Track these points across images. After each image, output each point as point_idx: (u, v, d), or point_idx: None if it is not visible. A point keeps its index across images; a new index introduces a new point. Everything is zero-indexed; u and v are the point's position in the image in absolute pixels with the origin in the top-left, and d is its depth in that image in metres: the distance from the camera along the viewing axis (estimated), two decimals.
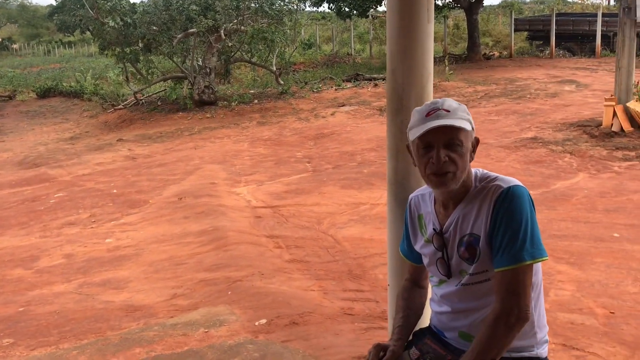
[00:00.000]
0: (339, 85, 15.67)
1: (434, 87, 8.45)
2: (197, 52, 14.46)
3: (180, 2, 13.32)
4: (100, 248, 5.86)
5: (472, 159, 1.77)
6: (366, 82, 16.10)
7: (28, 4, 67.73)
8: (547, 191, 6.47)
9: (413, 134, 1.74)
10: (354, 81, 16.39)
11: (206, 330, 3.71)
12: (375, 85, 15.43)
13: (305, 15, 45.74)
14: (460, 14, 29.46)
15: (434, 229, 1.83)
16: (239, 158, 9.36)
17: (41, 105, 19.72)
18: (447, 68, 15.72)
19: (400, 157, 1.90)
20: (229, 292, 4.33)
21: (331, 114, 12.65)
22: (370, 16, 26.34)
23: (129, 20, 12.85)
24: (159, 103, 15.22)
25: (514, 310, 1.66)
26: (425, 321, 1.98)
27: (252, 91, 16.10)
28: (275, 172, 8.22)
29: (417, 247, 1.92)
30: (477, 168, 1.85)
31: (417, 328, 1.97)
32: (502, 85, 14.55)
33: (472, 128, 1.75)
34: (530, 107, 11.50)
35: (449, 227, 1.79)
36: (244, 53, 14.97)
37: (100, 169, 9.82)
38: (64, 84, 21.49)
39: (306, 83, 16.49)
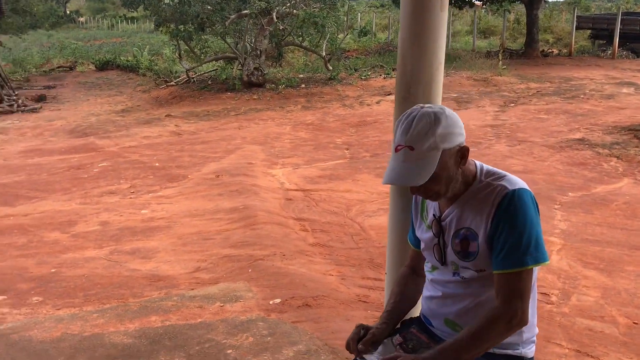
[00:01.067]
0: (388, 74, 15.52)
1: (485, 81, 8.31)
2: (249, 33, 14.57)
3: None
4: (135, 218, 6.04)
5: (462, 165, 1.71)
6: None
7: None
8: (587, 194, 6.27)
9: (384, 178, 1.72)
10: None
11: (222, 305, 3.79)
12: None
13: (363, 3, 45.40)
14: (522, 9, 28.65)
15: (433, 214, 1.82)
16: (279, 140, 9.44)
17: (98, 77, 20.32)
18: (500, 62, 15.34)
19: None
20: (250, 270, 4.41)
21: (376, 102, 12.57)
22: None
23: None
24: (209, 82, 15.46)
25: (517, 313, 1.65)
26: (416, 312, 1.98)
27: (302, 75, 16.14)
28: (312, 157, 8.26)
29: (417, 232, 1.92)
30: (482, 163, 1.82)
31: (407, 317, 1.97)
32: (557, 84, 14.11)
33: (452, 145, 1.66)
34: (582, 108, 11.12)
35: (447, 216, 1.78)
36: (294, 37, 15.00)
37: (146, 142, 10.08)
38: (122, 58, 22.06)
39: (356, 70, 16.40)
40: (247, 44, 14.52)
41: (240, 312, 3.67)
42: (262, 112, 12.30)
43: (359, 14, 35.98)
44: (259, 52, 14.20)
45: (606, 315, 3.75)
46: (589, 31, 23.06)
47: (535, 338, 1.84)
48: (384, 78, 15.12)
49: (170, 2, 13.05)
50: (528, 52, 20.51)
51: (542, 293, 4.08)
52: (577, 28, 21.69)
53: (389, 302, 1.95)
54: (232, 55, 15.36)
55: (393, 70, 16.40)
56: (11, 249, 5.26)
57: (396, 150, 1.66)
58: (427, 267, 1.90)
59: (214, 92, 14.51)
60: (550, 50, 22.46)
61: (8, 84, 15.87)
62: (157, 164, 8.30)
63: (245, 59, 14.38)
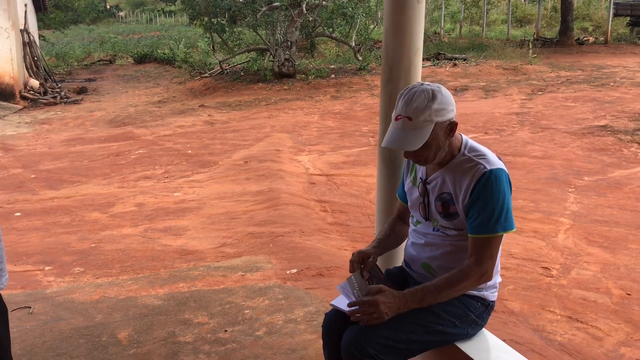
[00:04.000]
0: None
1: (515, 69, 8.54)
2: (280, 25, 14.93)
3: None
4: (168, 200, 6.47)
5: (450, 137, 2.00)
6: (446, 61, 16.00)
7: None
8: (603, 178, 6.42)
9: (383, 142, 2.02)
10: (434, 60, 16.32)
11: (243, 274, 4.16)
12: (455, 65, 15.32)
13: None
14: None
15: (420, 177, 2.13)
16: (307, 129, 9.77)
17: (137, 70, 21.00)
18: (530, 51, 15.31)
19: (388, 122, 2.18)
20: (271, 245, 4.76)
21: None
22: None
23: None
24: (242, 73, 15.89)
25: (488, 271, 1.99)
26: (398, 262, 2.29)
27: (332, 66, 16.42)
28: (338, 144, 8.57)
29: (406, 188, 2.23)
30: (467, 137, 2.11)
31: (391, 267, 2.30)
32: (588, 72, 14.04)
33: (442, 118, 1.94)
34: (610, 96, 11.11)
35: (432, 180, 2.08)
36: (325, 28, 15.28)
37: (181, 131, 10.54)
38: (159, 51, 22.71)
39: None
40: (278, 36, 14.87)
41: (259, 280, 4.02)
42: (291, 101, 12.65)
43: None
44: (289, 44, 14.55)
45: (602, 287, 3.98)
46: (627, 18, 22.65)
47: (497, 285, 2.14)
48: None
49: None
50: (562, 40, 20.32)
51: (543, 267, 4.33)
52: (615, 15, 21.34)
53: (381, 233, 2.32)
54: (263, 47, 15.75)
55: (423, 60, 16.53)
56: (56, 227, 5.74)
57: (396, 119, 1.97)
58: (412, 220, 2.22)
59: (245, 83, 14.93)
60: (585, 38, 22.15)
61: (51, 77, 16.61)
62: (190, 151, 8.74)
63: (276, 50, 14.75)
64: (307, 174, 7.05)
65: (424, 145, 1.94)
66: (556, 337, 3.37)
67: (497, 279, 2.13)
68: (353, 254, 2.18)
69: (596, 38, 22.20)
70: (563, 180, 6.40)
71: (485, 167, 1.95)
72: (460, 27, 26.89)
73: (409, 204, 2.21)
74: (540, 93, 11.90)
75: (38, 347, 3.13)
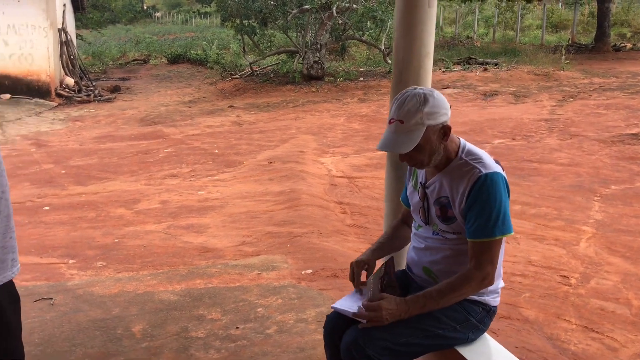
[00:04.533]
0: (448, 68, 15.58)
1: (547, 75, 8.44)
2: (310, 28, 15.00)
3: None
4: (192, 198, 6.57)
5: (445, 141, 2.00)
6: (477, 66, 15.85)
7: None
8: (630, 187, 6.29)
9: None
10: (465, 65, 16.19)
11: (259, 273, 4.21)
12: (485, 69, 15.17)
13: None
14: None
15: (420, 182, 2.14)
16: (332, 131, 9.80)
17: (170, 70, 21.34)
18: (563, 57, 15.07)
19: None
20: (288, 245, 4.81)
21: None
22: None
23: None
24: (271, 75, 16.02)
25: (488, 275, 1.98)
26: (402, 265, 2.30)
27: (362, 69, 16.43)
28: (362, 147, 8.58)
29: (408, 192, 2.24)
30: (465, 141, 2.12)
31: (396, 270, 2.31)
32: (622, 79, 13.75)
33: (435, 122, 1.94)
34: None
35: (431, 184, 2.09)
36: (355, 31, 15.30)
37: (209, 131, 10.69)
38: (192, 52, 23.03)
39: None
40: (308, 38, 14.95)
41: (274, 279, 4.07)
42: (319, 104, 12.70)
43: None
44: (319, 46, 14.61)
45: (621, 298, 3.91)
46: None
47: (499, 290, 2.13)
48: (443, 72, 15.19)
49: None
50: (598, 46, 19.95)
51: (562, 276, 4.27)
52: None
53: (382, 236, 2.35)
54: (293, 49, 15.85)
55: (454, 64, 16.43)
56: (82, 222, 5.88)
57: (389, 122, 1.99)
58: (414, 224, 2.24)
59: (275, 84, 15.05)
60: (623, 44, 21.69)
61: (87, 76, 17.00)
62: (216, 151, 8.85)
63: (305, 52, 14.82)
64: (329, 176, 7.08)
65: (417, 148, 1.94)
66: (570, 346, 3.33)
67: (499, 283, 2.12)
68: (351, 267, 2.20)
69: (634, 44, 21.71)
70: (589, 188, 6.29)
71: (480, 171, 1.95)
72: (494, 32, 26.61)
73: (410, 208, 2.21)
74: (571, 100, 11.71)
75: (56, 337, 3.22)
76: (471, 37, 26.15)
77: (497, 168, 1.99)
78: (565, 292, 3.99)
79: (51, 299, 3.77)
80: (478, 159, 2.00)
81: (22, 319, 1.95)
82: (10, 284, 1.83)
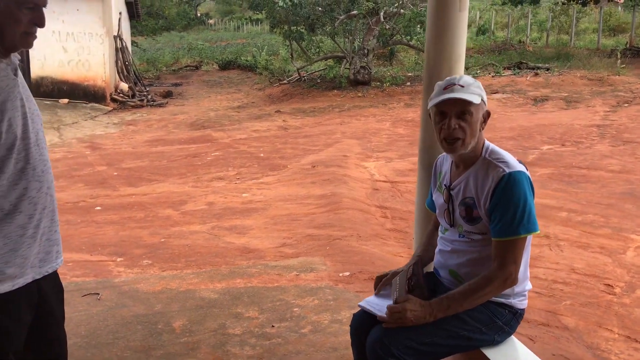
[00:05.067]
0: (498, 73, 15.35)
1: (600, 80, 8.27)
2: (358, 33, 15.06)
3: None
4: (237, 200, 6.72)
5: (482, 128, 2.05)
6: (528, 71, 15.55)
7: None
8: None
9: (431, 103, 2.08)
10: (515, 69, 15.90)
11: (297, 274, 4.28)
12: (536, 74, 14.87)
13: (485, 1, 44.29)
14: None
15: (445, 184, 2.17)
16: (377, 136, 9.82)
17: (221, 76, 21.79)
18: (619, 61, 14.61)
19: (429, 128, 2.23)
20: (327, 247, 4.86)
21: None
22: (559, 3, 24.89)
23: (296, 1, 13.82)
24: (318, 80, 16.15)
25: (511, 275, 1.99)
26: (430, 267, 2.33)
27: (410, 74, 16.36)
28: (406, 151, 8.56)
29: (433, 197, 2.27)
30: (489, 142, 2.13)
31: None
32: None
33: (484, 102, 2.03)
34: None
35: (455, 186, 2.11)
36: (402, 36, 15.28)
37: (255, 135, 10.88)
38: (242, 58, 23.46)
39: (467, 69, 16.37)
40: (356, 44, 15.02)
41: (312, 281, 4.13)
42: (364, 108, 12.73)
43: (478, 12, 35.30)
44: (366, 51, 14.65)
45: None
46: None
47: (527, 293, 2.12)
48: (493, 76, 14.97)
49: (284, 5, 13.85)
50: None
51: (606, 284, 4.17)
52: None
53: (419, 249, 2.38)
54: (340, 55, 15.94)
55: (504, 68, 16.17)
56: (131, 222, 6.10)
57: (445, 88, 2.01)
58: (440, 229, 2.26)
59: (321, 89, 15.17)
60: None
61: (141, 81, 17.56)
62: (262, 155, 9.01)
63: (352, 58, 14.89)
64: (371, 180, 7.10)
65: (470, 113, 1.97)
66: (610, 356, 3.26)
67: (526, 286, 2.11)
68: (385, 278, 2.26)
69: None
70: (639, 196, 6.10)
71: (504, 170, 1.96)
72: (547, 36, 25.99)
73: (437, 211, 2.23)
74: (626, 105, 11.34)
75: (100, 330, 3.37)
76: (523, 42, 25.61)
77: (521, 167, 1.99)
78: (609, 301, 3.89)
79: (98, 294, 3.94)
80: (501, 159, 2.01)
81: (70, 312, 2.08)
82: (54, 275, 1.95)
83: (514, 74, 15.19)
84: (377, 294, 2.29)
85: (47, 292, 1.90)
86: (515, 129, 9.81)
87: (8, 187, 1.69)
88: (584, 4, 22.81)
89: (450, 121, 2.01)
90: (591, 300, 3.94)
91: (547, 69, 15.54)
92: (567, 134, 9.25)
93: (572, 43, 23.51)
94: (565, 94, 12.76)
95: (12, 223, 1.71)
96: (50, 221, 1.85)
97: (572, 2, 22.71)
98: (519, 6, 22.51)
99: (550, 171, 6.96)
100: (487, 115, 2.06)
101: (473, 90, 2.00)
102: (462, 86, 2.00)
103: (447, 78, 2.08)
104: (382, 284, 2.26)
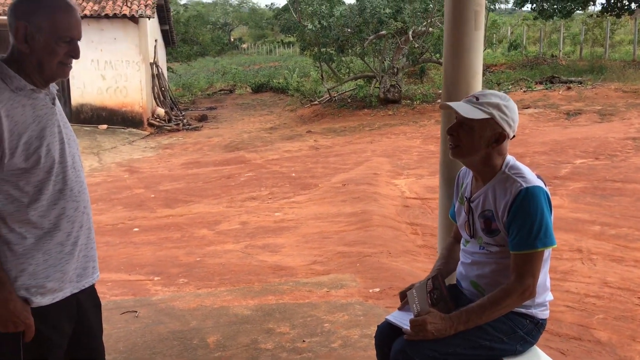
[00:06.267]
0: (529, 87, 15.25)
1: (636, 92, 8.30)
2: (387, 53, 15.20)
3: (374, 6, 14.16)
4: (269, 219, 6.84)
5: (491, 147, 2.07)
6: (561, 84, 15.40)
7: (257, 7, 74.61)
8: None
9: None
10: (548, 84, 15.77)
11: (328, 290, 4.35)
12: (569, 88, 14.71)
13: (516, 16, 44.07)
14: None
15: (466, 196, 2.23)
16: (408, 153, 9.86)
17: (254, 98, 22.17)
18: None
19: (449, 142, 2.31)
20: (358, 264, 4.93)
21: None
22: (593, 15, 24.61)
23: (325, 24, 14.07)
24: (349, 100, 16.31)
25: (529, 287, 2.03)
26: (453, 280, 2.38)
27: (440, 91, 16.37)
28: (437, 168, 8.55)
29: (455, 209, 2.33)
30: (511, 157, 2.19)
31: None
32: None
33: (500, 123, 2.03)
34: None
35: (475, 198, 2.18)
36: (432, 54, 15.34)
37: (287, 155, 11.05)
38: (274, 81, 23.84)
39: (498, 84, 16.31)
40: (385, 63, 15.15)
41: (342, 297, 4.19)
42: (395, 126, 12.80)
43: (509, 27, 35.12)
44: (395, 70, 14.76)
45: None
46: None
47: (548, 303, 2.16)
48: (524, 92, 14.88)
49: (314, 28, 14.10)
50: None
51: None
52: None
53: (439, 262, 2.42)
54: (370, 74, 16.09)
55: (536, 83, 16.05)
56: (167, 242, 6.28)
57: (466, 97, 2.12)
58: (462, 241, 2.31)
59: (352, 109, 15.31)
60: None
61: (176, 106, 18.02)
62: (293, 174, 9.15)
63: (382, 77, 15.01)
64: (402, 197, 7.15)
65: (469, 127, 2.03)
66: None
67: (547, 296, 2.15)
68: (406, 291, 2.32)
69: None
70: None
71: (522, 185, 2.01)
72: (581, 49, 25.70)
73: (458, 223, 2.30)
74: None
75: (138, 345, 3.50)
76: (556, 56, 25.37)
77: (539, 182, 2.05)
78: None
79: (136, 311, 4.08)
80: (520, 174, 2.06)
81: (109, 329, 2.20)
82: (92, 290, 2.08)
83: (546, 89, 15.07)
84: (400, 308, 2.35)
85: (86, 306, 2.03)
86: (548, 143, 9.73)
87: (48, 207, 1.83)
88: (618, 16, 22.48)
89: (452, 125, 2.11)
90: (625, 313, 3.90)
91: (580, 83, 15.37)
92: (601, 147, 9.13)
93: (607, 55, 23.18)
94: (599, 107, 12.59)
95: (51, 240, 1.85)
96: (87, 238, 1.99)
97: (606, 14, 22.41)
98: (551, 20, 22.31)
99: (583, 185, 6.89)
100: (501, 137, 2.05)
101: (483, 106, 2.04)
102: (477, 99, 2.07)
103: (480, 91, 2.15)
104: (404, 301, 2.32)
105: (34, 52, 1.78)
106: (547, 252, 2.10)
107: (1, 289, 1.75)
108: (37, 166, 1.78)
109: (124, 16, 14.71)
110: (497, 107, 2.04)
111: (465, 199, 2.23)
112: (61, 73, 1.85)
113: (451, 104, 2.08)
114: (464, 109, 2.05)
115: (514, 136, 2.12)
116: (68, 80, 14.43)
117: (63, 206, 1.86)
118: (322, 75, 16.55)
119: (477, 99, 2.06)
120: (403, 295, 2.39)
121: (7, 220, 1.78)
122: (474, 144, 2.07)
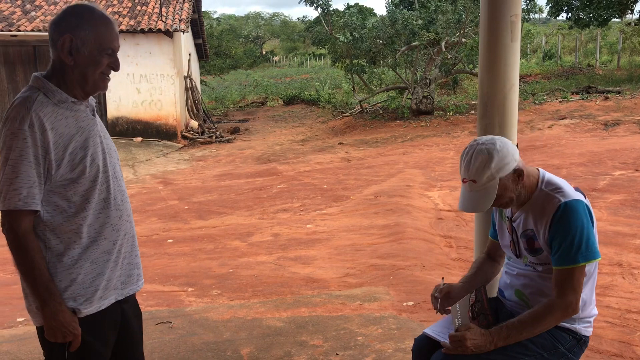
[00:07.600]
0: (565, 97, 14.98)
1: None
2: (419, 64, 15.14)
3: (406, 17, 14.16)
4: (301, 231, 6.85)
5: (520, 182, 2.04)
6: (598, 94, 15.10)
7: (289, 20, 75.35)
8: None
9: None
10: (584, 94, 15.48)
11: (361, 303, 4.32)
12: (606, 98, 14.41)
13: (551, 26, 43.49)
14: None
15: (507, 216, 2.20)
16: (441, 165, 9.77)
17: (285, 111, 22.32)
18: None
19: None
20: (391, 277, 4.88)
21: (548, 127, 12.27)
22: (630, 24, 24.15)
23: (357, 35, 14.11)
24: (381, 112, 16.28)
25: (572, 303, 1.99)
26: (493, 293, 2.34)
27: (474, 102, 16.22)
28: None
29: (498, 230, 2.30)
30: (544, 171, 2.15)
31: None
32: None
33: (506, 172, 1.99)
34: None
35: (516, 218, 2.15)
36: (465, 64, 15.23)
37: (319, 167, 11.06)
38: (306, 93, 23.97)
39: (533, 94, 16.09)
40: (418, 74, 15.09)
41: (376, 310, 4.16)
42: (427, 138, 12.71)
43: (544, 37, 34.68)
44: (428, 81, 14.69)
45: None
46: None
47: (592, 320, 2.10)
48: (560, 102, 14.63)
49: (345, 40, 14.16)
50: None
51: None
52: None
53: (469, 273, 2.39)
54: (402, 86, 16.05)
55: (572, 93, 15.77)
56: (201, 253, 6.34)
57: (463, 181, 2.07)
58: (507, 258, 2.28)
59: (384, 120, 15.27)
60: None
61: (209, 119, 18.26)
62: (325, 186, 9.15)
63: (414, 88, 14.95)
64: (435, 210, 7.07)
65: (497, 199, 2.02)
66: None
67: (592, 311, 2.09)
68: (436, 289, 2.28)
69: None
70: None
71: (560, 200, 1.98)
72: (618, 58, 25.19)
73: (501, 242, 2.26)
74: None
75: (173, 356, 3.53)
76: (592, 65, 24.91)
77: (578, 195, 2.00)
78: None
79: (170, 322, 4.12)
80: (557, 189, 2.03)
81: (145, 339, 2.23)
82: (134, 299, 2.11)
83: (583, 99, 14.79)
84: (442, 320, 2.31)
85: (129, 315, 2.06)
86: (585, 154, 9.53)
87: (93, 216, 1.87)
88: None
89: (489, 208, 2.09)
90: None
91: (619, 92, 15.05)
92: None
93: None
94: (639, 118, 12.29)
95: (97, 249, 1.89)
96: (131, 246, 2.03)
97: None
98: (587, 29, 21.95)
99: (623, 197, 6.72)
100: (520, 173, 2.03)
101: (486, 179, 1.99)
102: (474, 181, 2.00)
103: (461, 164, 2.07)
104: (440, 304, 2.27)
105: (77, 65, 1.83)
106: (592, 266, 2.05)
107: (52, 300, 1.79)
108: (83, 176, 1.83)
109: (159, 31, 15.01)
110: (493, 170, 1.98)
111: (507, 218, 2.20)
112: (101, 85, 1.90)
113: (467, 209, 2.07)
114: (478, 202, 2.02)
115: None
116: (104, 94, 14.78)
117: (107, 215, 1.91)
118: (353, 87, 16.58)
119: (475, 181, 2.00)
120: (435, 299, 2.33)
121: (57, 232, 1.83)
122: (511, 197, 2.05)
